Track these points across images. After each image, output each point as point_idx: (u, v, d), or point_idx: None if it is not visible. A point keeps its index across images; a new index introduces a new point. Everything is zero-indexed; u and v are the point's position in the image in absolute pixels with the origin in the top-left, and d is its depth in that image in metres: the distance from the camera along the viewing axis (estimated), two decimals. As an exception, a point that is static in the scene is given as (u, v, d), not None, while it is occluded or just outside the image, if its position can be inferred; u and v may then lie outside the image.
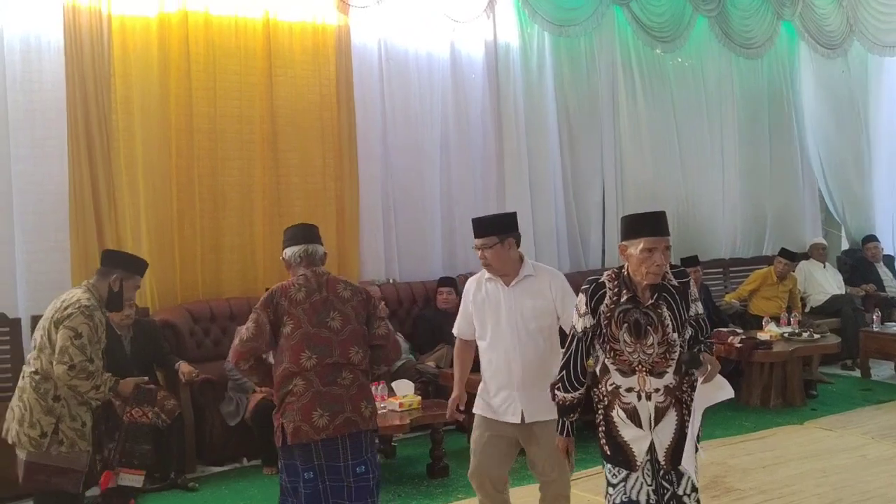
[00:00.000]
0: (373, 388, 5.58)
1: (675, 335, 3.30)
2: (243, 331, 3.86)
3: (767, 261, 9.16)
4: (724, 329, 7.62)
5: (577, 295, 3.46)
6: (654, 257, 3.24)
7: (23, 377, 4.09)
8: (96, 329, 4.04)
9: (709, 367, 3.29)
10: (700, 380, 3.30)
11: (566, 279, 4.14)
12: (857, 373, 8.47)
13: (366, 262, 7.50)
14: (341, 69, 7.24)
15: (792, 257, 8.63)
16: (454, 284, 7.40)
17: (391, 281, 7.58)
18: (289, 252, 3.98)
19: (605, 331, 3.33)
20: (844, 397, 7.63)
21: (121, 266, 4.25)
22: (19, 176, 6.06)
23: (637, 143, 9.05)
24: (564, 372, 3.43)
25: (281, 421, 3.79)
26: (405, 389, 5.89)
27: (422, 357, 6.92)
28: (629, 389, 3.33)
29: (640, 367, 3.30)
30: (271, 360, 3.92)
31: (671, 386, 3.32)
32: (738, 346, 7.23)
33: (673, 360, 3.31)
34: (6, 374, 5.89)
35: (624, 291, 3.31)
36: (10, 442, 4.06)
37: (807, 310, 8.94)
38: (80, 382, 3.96)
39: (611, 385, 3.37)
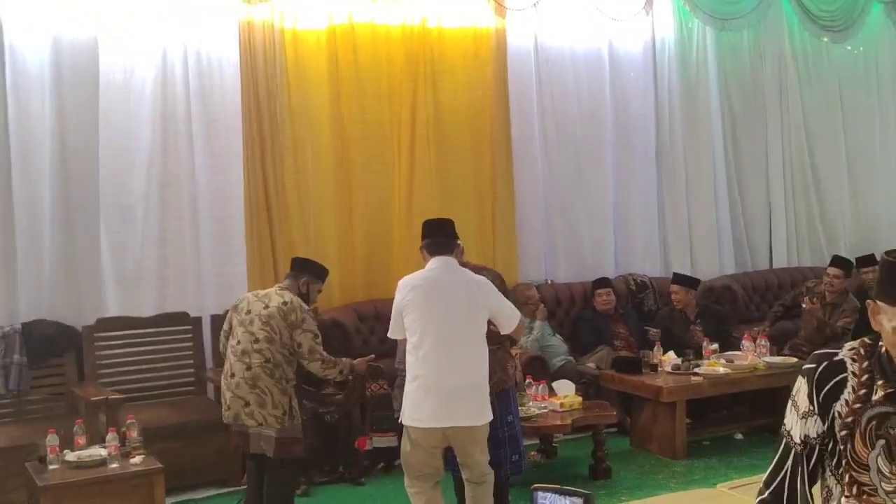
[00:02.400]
0: (533, 389, 5.71)
1: None
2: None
3: (955, 261, 8.54)
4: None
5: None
6: None
7: (248, 368, 4.66)
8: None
9: None
10: None
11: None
12: None
13: (524, 263, 7.54)
14: (498, 71, 7.31)
15: None
16: (611, 285, 7.33)
17: (549, 282, 7.58)
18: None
19: (841, 446, 1.91)
20: None
21: (308, 272, 4.98)
22: (203, 184, 6.45)
23: (803, 137, 8.68)
24: None
25: None
26: (566, 390, 5.88)
27: (582, 358, 6.88)
28: None
29: None
30: None
31: None
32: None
33: None
34: (189, 370, 6.29)
35: (880, 383, 1.86)
36: (247, 425, 4.69)
37: None
38: (330, 371, 4.86)
39: None
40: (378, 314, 6.69)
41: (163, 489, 4.55)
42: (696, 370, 6.17)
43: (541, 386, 5.79)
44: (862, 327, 7.08)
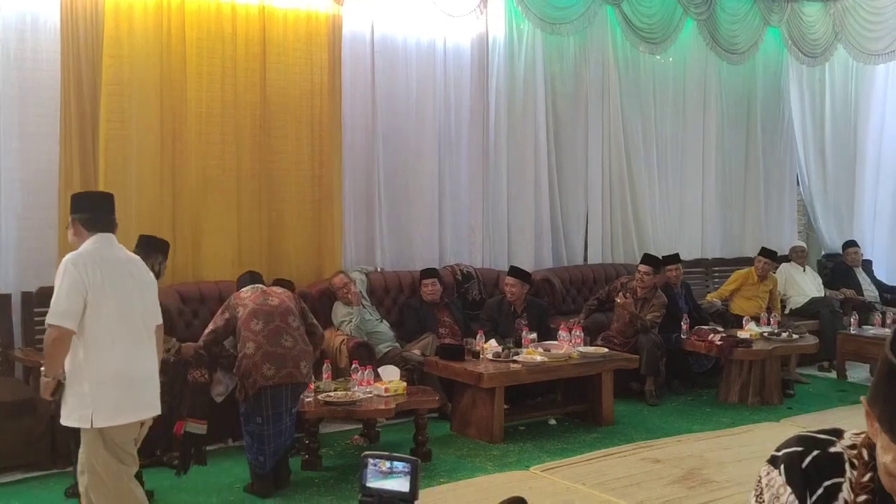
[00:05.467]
0: (359, 374, 5.74)
1: None
2: None
3: (749, 262, 9.28)
4: (706, 327, 7.75)
5: None
6: None
7: None
8: None
9: None
10: None
11: None
12: (833, 374, 8.60)
13: (348, 250, 7.56)
14: (332, 58, 7.28)
15: (772, 256, 8.74)
16: (437, 275, 7.48)
17: (378, 269, 7.65)
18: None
19: None
20: (820, 398, 7.76)
21: (158, 250, 5.02)
22: (11, 153, 6.08)
23: (622, 140, 9.15)
24: None
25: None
26: (391, 375, 5.96)
27: (407, 345, 6.99)
28: None
29: None
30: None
31: None
32: (719, 343, 7.35)
33: None
34: (-6, 350, 5.92)
35: None
36: None
37: (786, 311, 9.07)
38: None
39: None
40: (203, 296, 6.54)
41: (-39, 474, 4.27)
42: (515, 358, 6.41)
43: (367, 371, 5.84)
44: (668, 321, 7.60)
